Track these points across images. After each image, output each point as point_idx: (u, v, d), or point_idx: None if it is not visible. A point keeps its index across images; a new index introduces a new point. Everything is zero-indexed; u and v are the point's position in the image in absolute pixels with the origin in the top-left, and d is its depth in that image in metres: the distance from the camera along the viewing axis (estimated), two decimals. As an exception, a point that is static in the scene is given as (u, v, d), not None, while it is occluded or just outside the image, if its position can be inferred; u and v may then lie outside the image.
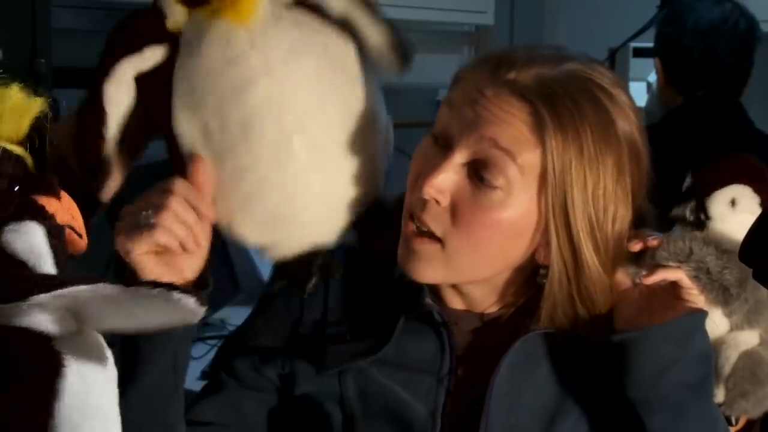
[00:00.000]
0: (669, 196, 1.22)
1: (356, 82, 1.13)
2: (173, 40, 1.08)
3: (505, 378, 1.11)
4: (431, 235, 1.09)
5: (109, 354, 0.70)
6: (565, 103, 1.06)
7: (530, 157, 1.06)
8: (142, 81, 1.09)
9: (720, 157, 1.19)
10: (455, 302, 1.17)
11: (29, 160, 0.73)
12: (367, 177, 1.15)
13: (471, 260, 1.09)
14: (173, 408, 1.09)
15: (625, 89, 1.12)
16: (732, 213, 1.15)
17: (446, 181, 1.08)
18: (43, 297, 0.64)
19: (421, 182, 1.09)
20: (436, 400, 1.11)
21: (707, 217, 1.15)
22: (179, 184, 1.04)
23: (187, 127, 1.07)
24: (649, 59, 2.42)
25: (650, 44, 2.43)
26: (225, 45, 1.05)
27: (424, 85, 3.34)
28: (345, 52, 1.12)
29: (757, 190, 1.16)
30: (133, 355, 1.03)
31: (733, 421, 1.18)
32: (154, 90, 1.08)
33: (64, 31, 2.19)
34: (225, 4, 1.06)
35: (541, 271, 1.11)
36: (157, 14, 1.08)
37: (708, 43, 2.24)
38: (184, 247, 1.03)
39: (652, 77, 2.43)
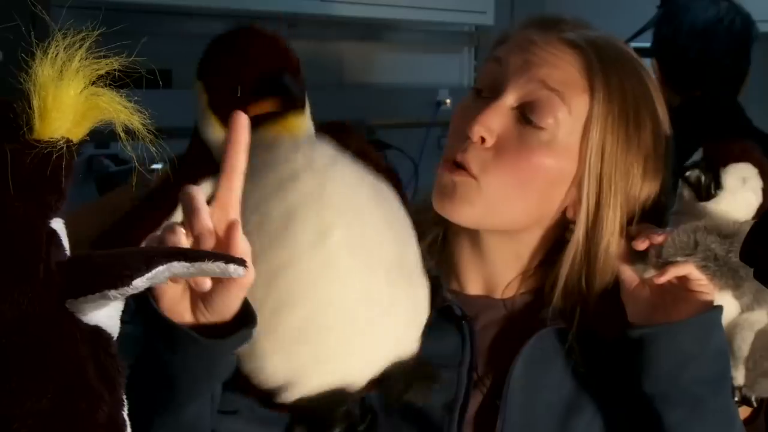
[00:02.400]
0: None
1: (396, 206, 1.08)
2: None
3: (521, 373, 1.11)
4: (469, 172, 1.09)
5: None
6: (610, 56, 1.11)
7: (579, 101, 1.09)
8: None
9: (728, 138, 1.22)
10: (475, 286, 1.18)
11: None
12: (411, 319, 1.05)
13: (507, 200, 1.10)
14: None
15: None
16: (741, 189, 1.17)
17: (495, 121, 1.09)
18: (139, 281, 0.68)
19: (468, 124, 1.09)
20: (456, 393, 1.11)
21: (718, 187, 1.16)
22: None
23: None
24: (648, 59, 2.42)
25: (649, 44, 2.43)
26: (270, 149, 1.03)
27: (424, 85, 3.34)
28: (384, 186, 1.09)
29: (762, 175, 1.19)
30: (172, 387, 0.96)
31: (754, 402, 1.18)
32: None
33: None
34: (277, 121, 1.05)
35: (571, 226, 1.13)
36: (205, 151, 1.06)
37: (704, 43, 2.24)
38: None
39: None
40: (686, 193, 1.20)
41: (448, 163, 1.12)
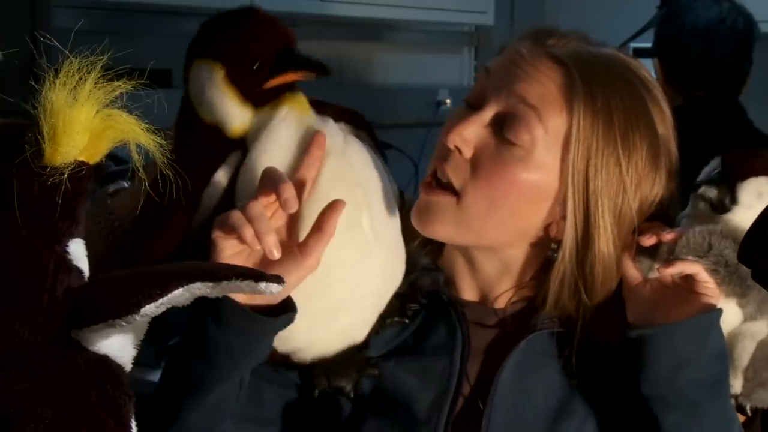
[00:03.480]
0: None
1: (384, 175, 1.14)
2: (241, 146, 1.09)
3: (509, 375, 1.11)
4: (449, 188, 1.09)
5: None
6: (598, 73, 1.08)
7: (557, 119, 1.07)
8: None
9: (747, 148, 1.21)
10: (469, 292, 1.18)
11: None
12: (399, 274, 1.14)
13: (484, 217, 1.09)
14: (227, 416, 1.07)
15: (662, 92, 1.15)
16: (757, 204, 1.16)
17: (472, 132, 1.09)
18: (148, 308, 0.66)
19: (447, 133, 1.10)
20: (449, 381, 1.11)
21: (733, 202, 1.15)
22: (263, 218, 0.97)
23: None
24: (649, 59, 2.42)
25: (650, 44, 2.43)
26: (295, 127, 1.07)
27: (424, 85, 3.34)
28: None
29: None
30: (204, 371, 1.01)
31: (748, 411, 1.18)
32: (226, 195, 1.09)
33: (65, 31, 2.19)
34: (287, 98, 1.08)
35: (553, 246, 1.12)
36: (216, 130, 1.09)
37: (706, 43, 2.24)
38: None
39: (654, 77, 2.43)
40: (701, 204, 1.18)
41: (426, 183, 1.12)
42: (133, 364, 0.73)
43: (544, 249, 1.14)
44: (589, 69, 1.08)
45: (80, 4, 2.35)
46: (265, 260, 0.97)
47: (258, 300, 0.98)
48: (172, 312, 0.70)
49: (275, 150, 1.06)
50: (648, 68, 2.42)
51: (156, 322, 0.70)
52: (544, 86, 1.07)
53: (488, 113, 1.09)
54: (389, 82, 3.29)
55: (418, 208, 1.12)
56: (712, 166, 1.19)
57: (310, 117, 1.09)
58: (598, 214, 1.07)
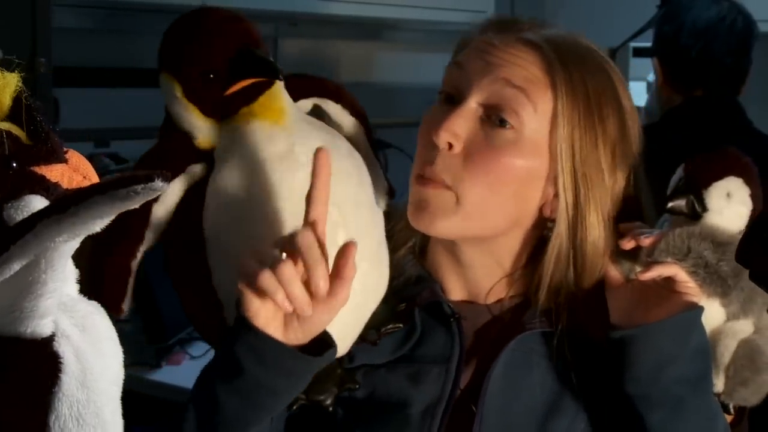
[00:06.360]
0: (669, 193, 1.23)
1: (370, 179, 1.13)
2: (206, 158, 1.05)
3: (500, 375, 1.11)
4: (442, 183, 1.09)
5: (114, 348, 0.70)
6: (570, 52, 1.11)
7: (543, 97, 1.09)
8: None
9: (709, 151, 1.21)
10: (457, 292, 1.18)
11: (21, 134, 0.70)
12: (383, 285, 1.12)
13: (485, 205, 1.09)
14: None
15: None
16: (727, 205, 1.17)
17: (460, 125, 1.09)
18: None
19: (435, 132, 1.08)
20: (442, 389, 1.11)
21: (704, 209, 1.16)
22: (313, 248, 0.95)
23: (223, 228, 1.03)
24: (650, 59, 2.42)
25: (650, 44, 2.43)
26: (270, 142, 1.03)
27: (424, 85, 3.34)
28: (358, 156, 1.13)
29: (747, 182, 1.18)
30: (244, 410, 1.00)
31: (731, 410, 1.19)
32: (185, 208, 1.05)
33: (64, 30, 2.19)
34: (258, 108, 1.05)
35: (548, 224, 1.13)
36: (184, 136, 1.06)
37: (705, 42, 2.25)
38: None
39: (653, 77, 2.43)
40: (675, 218, 1.19)
41: (419, 177, 1.11)
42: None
43: (538, 231, 1.14)
44: (560, 48, 1.10)
45: (80, 3, 2.35)
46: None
47: (291, 338, 0.97)
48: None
49: (242, 177, 1.02)
50: (648, 67, 2.42)
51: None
52: (525, 69, 1.09)
53: (473, 102, 1.09)
54: (389, 82, 3.30)
55: (415, 205, 1.11)
56: (678, 175, 1.19)
57: (284, 125, 1.05)
58: (587, 188, 1.10)
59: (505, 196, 1.09)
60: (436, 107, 1.13)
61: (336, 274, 0.95)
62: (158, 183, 0.60)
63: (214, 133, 1.05)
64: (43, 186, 0.69)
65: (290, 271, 0.93)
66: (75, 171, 0.72)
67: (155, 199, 1.03)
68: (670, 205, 1.17)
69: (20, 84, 0.70)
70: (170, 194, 1.05)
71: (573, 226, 1.10)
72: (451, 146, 1.08)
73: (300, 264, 0.94)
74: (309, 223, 0.95)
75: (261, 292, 0.94)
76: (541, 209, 1.12)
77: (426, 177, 1.10)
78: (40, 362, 0.63)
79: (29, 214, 0.65)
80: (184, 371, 2.31)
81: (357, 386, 1.12)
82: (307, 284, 0.94)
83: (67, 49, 2.12)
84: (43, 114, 0.71)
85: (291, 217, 1.01)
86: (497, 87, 1.09)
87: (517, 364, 1.12)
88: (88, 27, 2.37)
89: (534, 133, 1.08)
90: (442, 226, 1.11)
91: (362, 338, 1.11)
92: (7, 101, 0.70)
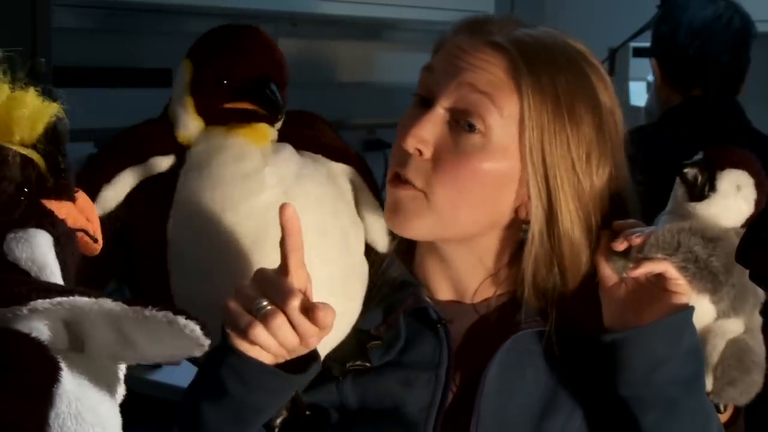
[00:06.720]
0: (667, 193, 1.23)
1: (353, 210, 1.14)
2: (179, 152, 1.08)
3: (495, 375, 1.11)
4: (414, 186, 1.10)
5: (118, 387, 0.69)
6: (538, 53, 1.10)
7: (509, 102, 1.08)
8: (136, 190, 1.08)
9: (733, 143, 1.23)
10: (445, 293, 1.18)
11: (42, 164, 0.71)
12: (350, 321, 1.13)
13: (455, 209, 1.09)
14: None
15: (601, 66, 1.16)
16: (734, 195, 1.17)
17: (428, 131, 1.09)
18: (41, 302, 0.61)
19: (403, 136, 1.10)
20: (433, 394, 1.11)
21: (712, 189, 1.16)
22: (294, 289, 0.96)
23: (184, 235, 1.05)
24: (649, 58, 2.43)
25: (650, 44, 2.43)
26: (240, 160, 1.05)
27: (424, 85, 3.33)
28: (344, 182, 1.14)
29: (756, 185, 1.19)
30: (229, 427, 1.02)
31: (722, 409, 1.19)
32: (146, 200, 1.07)
33: (64, 30, 2.19)
34: (245, 128, 1.07)
35: (524, 227, 1.12)
36: (166, 125, 1.09)
37: (702, 41, 2.25)
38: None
39: (652, 77, 2.43)
40: (680, 191, 1.20)
41: (393, 178, 1.12)
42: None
43: (516, 232, 1.14)
44: (528, 50, 1.09)
45: (80, 3, 2.35)
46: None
47: (290, 356, 0.99)
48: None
49: (208, 189, 1.04)
50: (648, 67, 2.42)
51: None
52: (490, 73, 1.09)
53: (440, 109, 1.10)
54: (389, 82, 3.29)
55: (390, 208, 1.12)
56: (696, 157, 1.21)
57: (262, 147, 1.07)
58: (558, 189, 1.09)
59: (475, 200, 1.10)
60: (411, 110, 1.14)
61: (320, 326, 0.96)
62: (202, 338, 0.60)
63: (197, 132, 1.08)
64: (50, 221, 0.70)
65: (280, 320, 0.94)
66: (80, 212, 0.73)
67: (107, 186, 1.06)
68: (684, 170, 1.18)
69: (58, 115, 0.71)
70: (121, 181, 1.07)
71: (548, 228, 1.10)
72: (421, 152, 1.09)
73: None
74: (288, 271, 0.96)
75: (251, 341, 0.96)
76: (516, 211, 1.12)
77: (399, 179, 1.11)
78: (41, 359, 0.63)
79: (30, 248, 0.67)
80: (184, 371, 2.31)
81: (306, 410, 1.12)
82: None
83: (67, 49, 2.12)
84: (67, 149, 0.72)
85: (248, 238, 1.03)
86: (464, 92, 1.09)
87: (511, 363, 1.12)
88: (88, 27, 2.37)
89: (502, 138, 1.08)
90: (416, 227, 1.11)
91: (326, 370, 1.09)
92: (40, 129, 0.71)
